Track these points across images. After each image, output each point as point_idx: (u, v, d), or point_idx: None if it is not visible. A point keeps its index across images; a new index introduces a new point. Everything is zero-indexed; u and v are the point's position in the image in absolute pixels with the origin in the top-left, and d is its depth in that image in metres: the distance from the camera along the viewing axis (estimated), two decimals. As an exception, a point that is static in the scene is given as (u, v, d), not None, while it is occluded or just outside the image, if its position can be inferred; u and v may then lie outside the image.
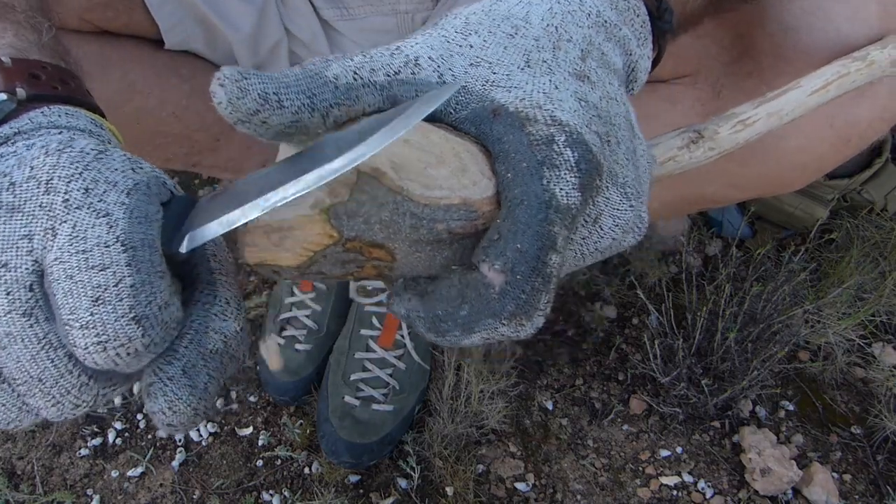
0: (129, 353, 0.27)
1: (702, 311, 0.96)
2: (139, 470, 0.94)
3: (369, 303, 0.99)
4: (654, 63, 0.45)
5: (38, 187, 0.27)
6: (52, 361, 0.27)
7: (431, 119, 0.33)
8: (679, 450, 0.98)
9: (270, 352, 1.00)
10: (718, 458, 0.97)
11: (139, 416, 1.00)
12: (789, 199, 1.12)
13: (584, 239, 0.33)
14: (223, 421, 1.00)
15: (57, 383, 0.28)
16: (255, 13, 0.75)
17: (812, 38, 0.56)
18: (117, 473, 0.94)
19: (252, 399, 1.02)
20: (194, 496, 0.92)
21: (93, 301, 0.26)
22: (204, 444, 0.97)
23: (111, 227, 0.27)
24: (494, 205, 0.32)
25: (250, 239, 0.30)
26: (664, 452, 0.97)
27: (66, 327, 0.27)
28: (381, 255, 0.31)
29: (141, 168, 0.31)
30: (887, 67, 0.53)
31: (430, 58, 0.34)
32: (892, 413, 0.98)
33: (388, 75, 0.33)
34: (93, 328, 0.26)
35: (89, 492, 0.93)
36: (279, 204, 0.28)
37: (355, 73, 0.32)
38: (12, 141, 0.32)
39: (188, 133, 0.80)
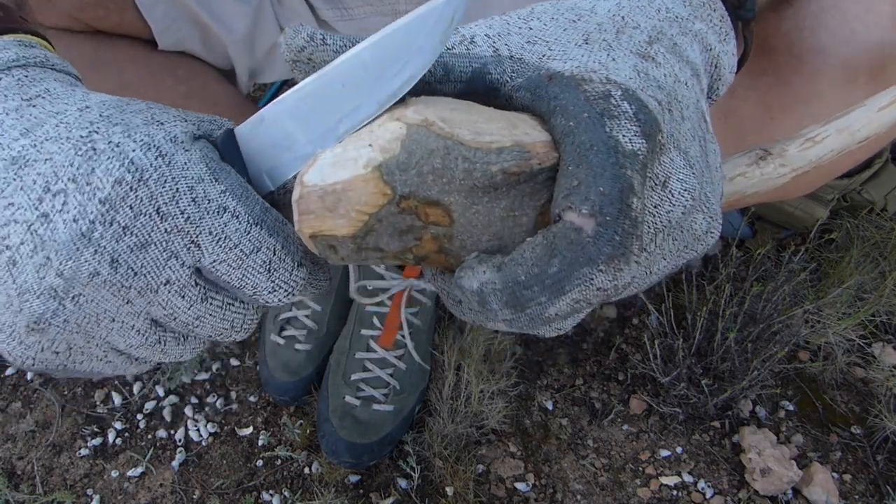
0: (303, 287, 0.34)
1: (702, 311, 0.96)
2: (139, 470, 0.94)
3: (370, 303, 0.99)
4: (742, 61, 0.43)
5: (152, 220, 0.30)
6: (237, 312, 0.34)
7: (486, 88, 0.33)
8: (679, 450, 0.98)
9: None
10: (718, 458, 0.97)
11: (139, 416, 1.00)
12: (789, 200, 1.12)
13: (655, 207, 0.31)
14: (223, 421, 1.00)
15: (244, 321, 0.34)
16: (250, 14, 0.74)
17: (826, 36, 0.56)
18: (117, 473, 0.94)
19: (252, 399, 1.02)
20: (194, 496, 0.92)
21: (267, 273, 0.32)
22: (204, 444, 0.97)
23: (237, 217, 0.31)
24: (548, 147, 0.31)
25: (304, 205, 0.30)
26: (664, 452, 0.97)
27: (255, 296, 0.33)
28: (438, 217, 0.31)
29: (186, 140, 0.32)
30: None
31: (486, 35, 0.34)
32: (892, 413, 0.98)
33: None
34: (279, 289, 0.33)
35: (89, 492, 0.93)
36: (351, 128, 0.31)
37: None
38: None
39: None
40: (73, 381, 1.03)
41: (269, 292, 0.33)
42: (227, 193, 0.31)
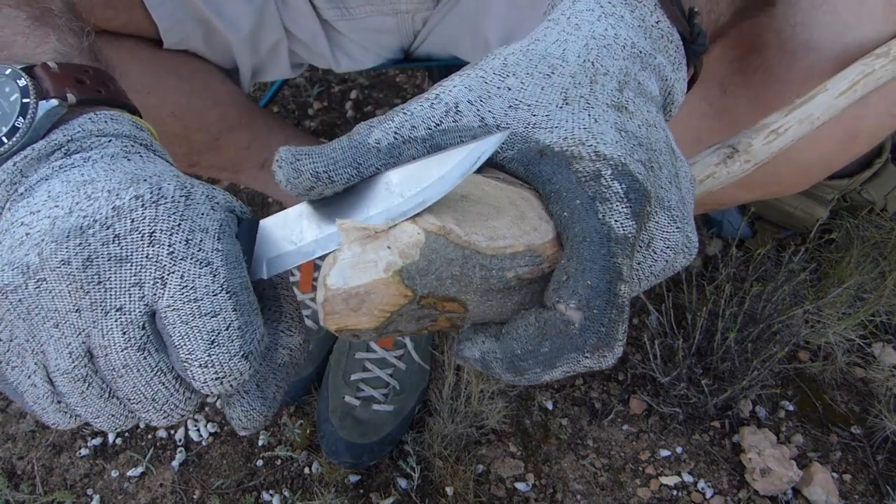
0: (238, 383, 0.32)
1: (702, 311, 0.96)
2: (139, 470, 0.94)
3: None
4: (691, 83, 0.46)
5: (142, 239, 0.30)
6: (164, 385, 0.32)
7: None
8: (679, 450, 0.98)
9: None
10: (718, 458, 0.97)
11: (139, 416, 1.00)
12: (789, 199, 1.12)
13: (639, 264, 0.34)
14: (223, 421, 1.00)
15: (167, 401, 0.32)
16: (255, 13, 0.74)
17: (818, 32, 0.56)
18: (117, 473, 0.94)
19: (252, 399, 1.02)
20: (194, 496, 0.92)
21: (209, 343, 0.30)
22: (204, 444, 0.97)
23: (214, 276, 0.31)
24: (557, 246, 0.33)
25: (329, 307, 0.32)
26: (664, 452, 0.97)
27: (185, 364, 0.31)
28: (454, 308, 0.33)
29: (218, 204, 0.33)
30: None
31: (469, 101, 0.35)
32: (892, 413, 0.98)
33: (430, 128, 0.35)
34: (211, 367, 0.31)
35: (89, 492, 0.93)
36: (347, 240, 0.32)
37: (396, 133, 0.34)
38: (65, 149, 0.35)
39: (187, 133, 0.80)
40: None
41: (200, 366, 0.30)
42: (220, 254, 0.31)
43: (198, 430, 0.98)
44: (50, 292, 0.31)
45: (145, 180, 0.32)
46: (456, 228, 0.31)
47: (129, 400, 0.32)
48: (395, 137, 0.34)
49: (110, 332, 0.31)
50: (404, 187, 0.32)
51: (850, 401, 1.03)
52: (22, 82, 0.36)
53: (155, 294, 0.31)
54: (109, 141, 0.36)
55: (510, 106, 0.35)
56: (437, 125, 0.35)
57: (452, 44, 0.85)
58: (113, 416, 0.33)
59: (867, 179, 1.12)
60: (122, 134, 0.37)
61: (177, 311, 0.30)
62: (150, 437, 0.98)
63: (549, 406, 1.02)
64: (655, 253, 0.35)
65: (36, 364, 0.32)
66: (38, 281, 0.31)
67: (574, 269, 0.32)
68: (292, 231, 0.34)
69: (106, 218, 0.31)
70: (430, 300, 0.32)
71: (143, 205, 0.31)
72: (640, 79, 0.38)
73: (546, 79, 0.36)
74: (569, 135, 0.34)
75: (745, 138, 0.44)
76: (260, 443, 0.97)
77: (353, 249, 0.32)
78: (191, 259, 0.30)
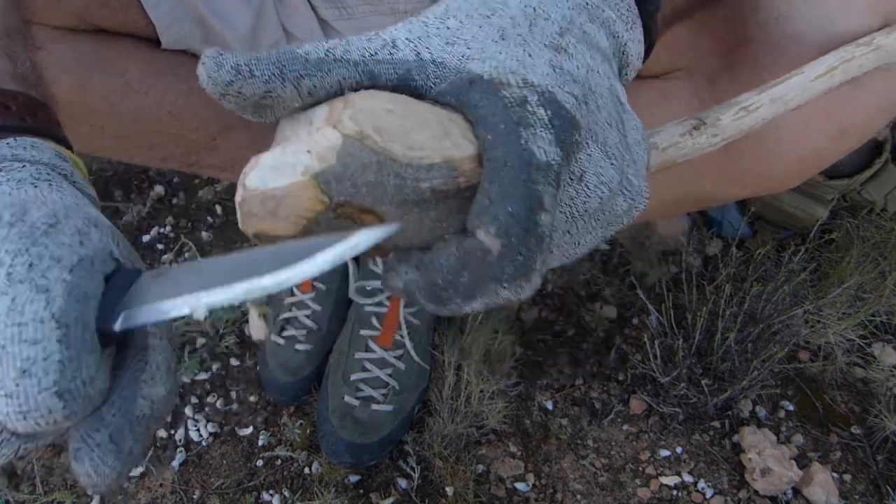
0: (48, 423, 0.28)
1: (702, 311, 0.96)
2: (139, 470, 0.94)
3: (369, 303, 0.99)
4: (648, 51, 0.45)
5: None
6: None
7: (414, 93, 0.35)
8: (679, 450, 0.98)
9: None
10: (718, 458, 0.97)
11: (139, 417, 1.00)
12: (789, 199, 1.12)
13: (572, 199, 0.34)
14: (223, 421, 1.00)
15: None
16: (253, 13, 0.74)
17: (804, 25, 0.56)
18: (117, 473, 0.94)
19: (252, 399, 1.02)
20: (194, 496, 0.92)
21: (20, 372, 0.27)
22: (204, 444, 0.97)
23: (48, 303, 0.28)
24: (475, 163, 0.33)
25: (247, 207, 0.32)
26: (664, 452, 0.97)
27: None
28: (372, 221, 0.32)
29: (90, 241, 0.31)
30: (895, 53, 0.53)
31: (407, 39, 0.35)
32: (892, 413, 0.98)
33: (364, 56, 0.34)
34: (16, 398, 0.27)
35: (89, 492, 0.93)
36: (209, 306, 0.29)
37: (327, 51, 0.34)
38: None
39: (185, 133, 0.80)
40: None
41: (5, 395, 0.28)
42: (66, 285, 0.29)
43: (198, 430, 0.98)
44: None
45: (20, 204, 0.31)
46: (374, 134, 0.31)
47: None
48: (325, 54, 0.33)
49: None
50: (269, 270, 0.29)
51: (850, 401, 1.03)
52: None
53: None
54: (23, 166, 0.35)
55: (447, 42, 0.35)
56: (373, 55, 0.34)
57: (452, 43, 0.85)
58: None
59: (867, 179, 1.12)
60: (40, 161, 0.36)
61: (0, 333, 0.28)
62: (150, 437, 0.98)
63: (549, 406, 1.02)
64: (588, 188, 0.34)
65: None
66: None
67: (495, 194, 0.31)
68: (166, 289, 0.31)
69: None
70: (347, 209, 0.32)
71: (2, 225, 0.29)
72: (586, 29, 0.37)
73: (485, 19, 0.36)
74: (500, 65, 0.34)
75: (714, 112, 0.44)
76: (260, 443, 0.97)
77: (274, 152, 0.32)
78: (29, 283, 0.28)
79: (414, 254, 0.34)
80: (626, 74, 0.41)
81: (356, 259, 1.01)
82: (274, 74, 0.32)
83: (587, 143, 0.34)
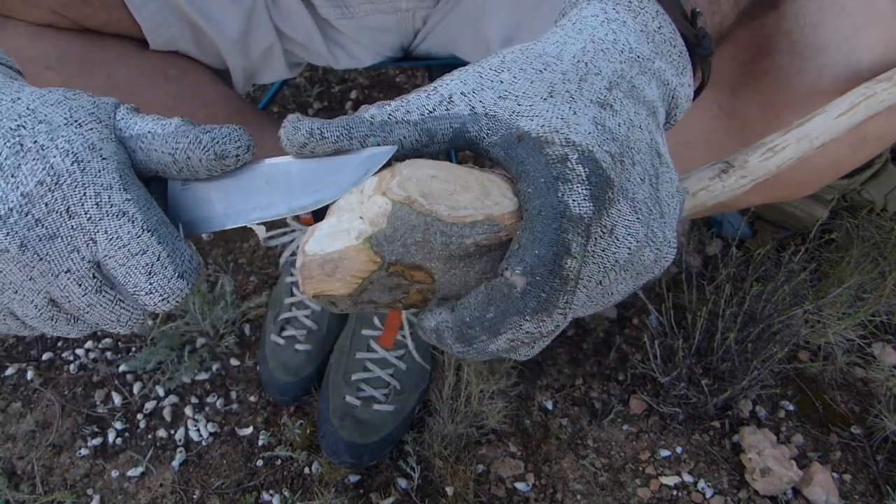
0: (180, 299, 0.37)
1: (702, 311, 0.96)
2: (139, 470, 0.94)
3: (369, 303, 0.99)
4: (700, 89, 0.47)
5: (61, 217, 0.34)
6: (125, 309, 0.37)
7: (466, 144, 0.38)
8: (679, 450, 0.98)
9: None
10: (718, 458, 0.97)
11: (139, 416, 1.00)
12: (789, 200, 1.12)
13: (603, 250, 0.36)
14: (223, 421, 1.00)
15: (130, 318, 0.38)
16: (243, 15, 0.73)
17: (827, 34, 0.56)
18: (117, 473, 0.94)
19: (252, 399, 1.02)
20: (194, 496, 0.92)
21: (147, 275, 0.35)
22: (204, 444, 0.97)
23: (133, 222, 0.35)
24: (516, 218, 0.36)
25: (307, 272, 0.35)
26: (664, 452, 0.97)
27: (135, 295, 0.36)
28: (422, 278, 0.36)
29: (105, 152, 0.36)
30: None
31: (462, 93, 0.38)
32: (892, 413, 0.98)
33: (423, 114, 0.37)
34: (155, 293, 0.36)
35: (89, 492, 0.93)
36: (259, 219, 0.37)
37: (390, 114, 0.37)
38: None
39: None
40: (74, 380, 1.03)
41: (146, 293, 0.36)
42: (131, 202, 0.35)
43: (198, 430, 0.98)
44: (1, 271, 0.35)
45: (23, 149, 0.35)
46: (420, 199, 0.34)
47: (97, 324, 0.38)
48: (388, 116, 0.37)
49: (67, 288, 0.35)
50: (302, 180, 0.37)
51: (850, 401, 1.03)
52: None
53: (92, 252, 0.35)
54: None
55: (500, 96, 0.37)
56: (430, 112, 0.37)
57: (452, 43, 0.85)
58: (82, 330, 0.39)
59: (867, 179, 1.12)
60: None
61: (112, 258, 0.35)
62: (150, 437, 0.98)
63: (549, 406, 1.02)
64: (618, 240, 0.36)
65: (3, 315, 0.37)
66: None
67: (525, 240, 0.34)
68: (202, 199, 0.38)
69: (20, 206, 0.34)
70: (398, 267, 0.35)
71: (48, 189, 0.34)
72: (636, 82, 0.39)
73: (537, 74, 0.38)
74: (546, 123, 0.36)
75: (742, 155, 0.46)
76: (260, 443, 0.97)
77: (330, 221, 0.36)
78: (107, 216, 0.34)
79: (451, 300, 0.37)
80: (675, 116, 0.43)
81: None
82: (342, 135, 0.36)
83: (618, 199, 0.36)
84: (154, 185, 0.38)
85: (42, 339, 1.08)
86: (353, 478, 0.94)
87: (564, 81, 0.38)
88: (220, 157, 0.36)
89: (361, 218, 0.35)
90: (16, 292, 0.36)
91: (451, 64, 0.90)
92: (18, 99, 0.37)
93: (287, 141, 0.36)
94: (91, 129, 0.36)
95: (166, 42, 0.72)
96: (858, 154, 0.64)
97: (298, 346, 0.99)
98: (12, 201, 0.34)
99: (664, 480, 0.95)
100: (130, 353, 1.06)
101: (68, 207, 0.34)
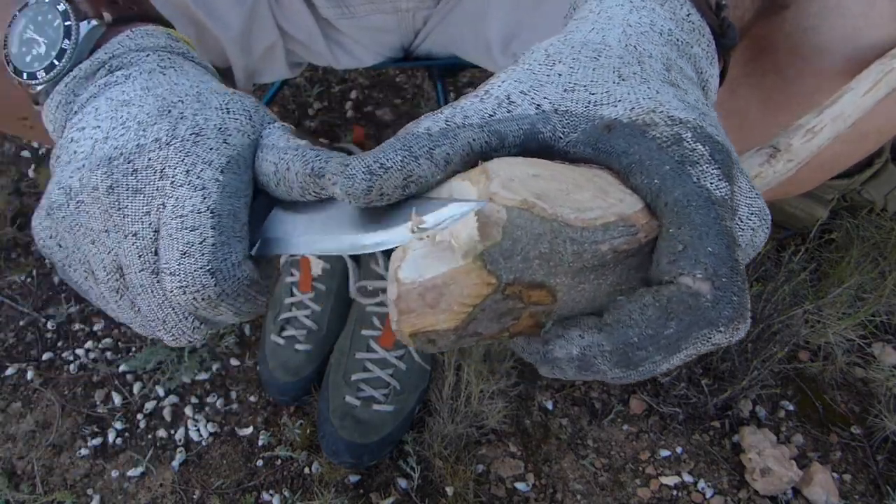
0: (204, 299, 0.33)
1: (702, 311, 0.96)
2: (139, 470, 0.94)
3: (370, 303, 0.99)
4: (720, 79, 0.45)
5: (154, 174, 0.34)
6: (173, 310, 0.35)
7: (540, 147, 0.33)
8: (679, 450, 0.98)
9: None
10: (718, 458, 0.97)
11: (139, 417, 1.00)
12: (789, 199, 1.12)
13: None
14: (223, 421, 1.00)
15: (176, 325, 0.35)
16: (246, 13, 0.74)
17: (829, 35, 0.56)
18: (117, 473, 0.94)
19: (252, 399, 1.02)
20: (194, 496, 0.92)
21: (181, 254, 0.33)
22: (204, 444, 0.97)
23: (205, 198, 0.33)
24: (648, 216, 0.31)
25: (404, 305, 0.29)
26: (664, 452, 0.97)
27: (162, 273, 0.34)
28: (541, 298, 0.29)
29: (232, 139, 0.36)
30: None
31: (521, 92, 0.33)
32: (892, 413, 0.98)
33: (483, 118, 0.33)
34: (177, 276, 0.33)
35: (89, 492, 0.93)
36: (321, 251, 0.33)
37: (447, 121, 0.33)
38: (108, 66, 0.39)
39: None
40: (74, 380, 1.03)
41: (169, 273, 0.33)
42: (218, 184, 0.34)
43: (198, 430, 0.98)
44: (86, 213, 0.35)
45: (168, 114, 0.36)
46: (539, 202, 0.28)
47: (147, 318, 0.36)
48: (446, 124, 0.32)
49: (129, 255, 0.35)
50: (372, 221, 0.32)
51: (850, 401, 1.03)
52: (62, 7, 0.40)
53: (159, 218, 0.34)
54: (147, 55, 0.40)
55: (566, 90, 0.33)
56: (491, 115, 0.33)
57: (453, 43, 0.85)
58: (142, 326, 0.37)
59: (867, 179, 1.12)
60: (159, 46, 0.41)
61: (166, 226, 0.34)
62: (150, 437, 0.98)
63: (549, 406, 1.02)
64: (742, 221, 0.32)
65: (86, 272, 0.37)
66: (77, 202, 0.35)
67: (689, 237, 0.29)
68: (288, 223, 0.36)
69: (130, 153, 0.34)
70: (516, 288, 0.28)
71: (159, 146, 0.34)
72: (681, 64, 0.37)
73: (594, 61, 0.34)
74: (636, 105, 0.32)
75: (784, 138, 0.44)
76: (260, 443, 0.97)
77: (422, 239, 0.29)
78: (188, 185, 0.34)
79: (584, 319, 0.31)
80: None
81: (356, 259, 1.00)
82: (406, 158, 0.30)
83: (738, 176, 0.32)
84: (263, 198, 0.37)
85: (42, 339, 1.08)
86: (353, 478, 0.94)
87: (626, 65, 0.34)
88: (315, 175, 0.33)
89: (469, 233, 0.28)
90: (93, 243, 0.35)
91: (452, 64, 0.90)
92: (195, 84, 0.38)
93: (348, 195, 0.30)
94: (235, 119, 0.36)
95: None
96: (860, 149, 0.64)
97: (298, 346, 0.99)
98: (127, 147, 0.35)
99: (664, 480, 0.95)
100: (130, 353, 1.06)
101: (164, 168, 0.34)
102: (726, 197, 0.30)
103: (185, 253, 0.33)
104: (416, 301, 0.29)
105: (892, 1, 0.55)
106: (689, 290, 0.29)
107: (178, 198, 0.34)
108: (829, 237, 1.13)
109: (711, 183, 0.30)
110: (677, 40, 0.37)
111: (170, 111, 0.36)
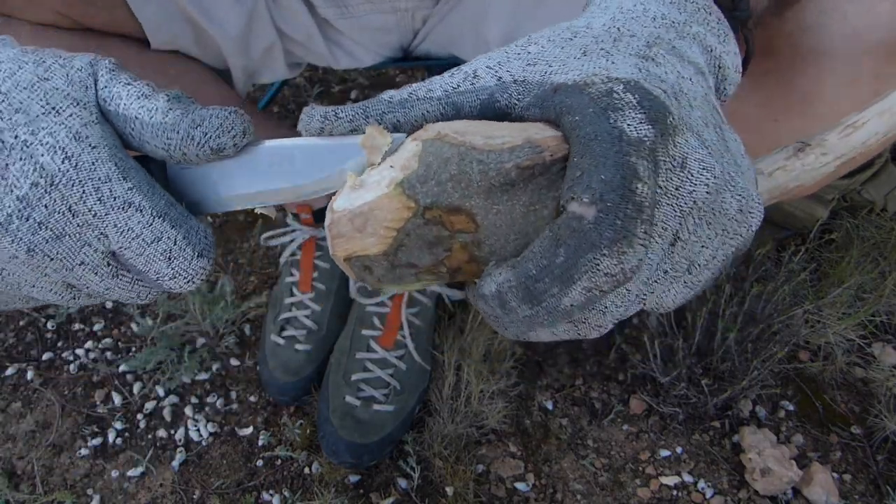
0: (205, 277, 0.36)
1: (701, 311, 0.96)
2: (139, 470, 0.94)
3: (371, 303, 0.99)
4: (747, 61, 0.44)
5: (64, 217, 0.33)
6: (144, 287, 0.37)
7: (497, 115, 0.35)
8: (679, 450, 0.98)
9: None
10: (718, 458, 0.97)
11: (139, 417, 1.00)
12: (789, 200, 1.12)
13: (677, 188, 0.32)
14: (223, 421, 1.00)
15: (147, 296, 0.38)
16: (244, 14, 0.74)
17: (829, 36, 0.56)
18: (117, 473, 0.94)
19: (252, 399, 1.02)
20: (194, 496, 0.92)
21: (167, 260, 0.35)
22: (204, 444, 0.97)
23: (141, 211, 0.34)
24: (559, 140, 0.32)
25: (336, 229, 0.33)
26: (664, 452, 0.97)
27: (158, 281, 0.35)
28: (464, 224, 0.32)
29: (94, 147, 0.34)
30: None
31: (488, 67, 0.36)
32: (892, 413, 0.98)
33: (447, 90, 0.35)
34: (179, 276, 0.35)
35: (89, 492, 0.93)
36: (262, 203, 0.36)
37: (410, 93, 0.35)
38: None
39: None
40: (74, 380, 1.03)
41: (170, 279, 0.35)
42: (134, 190, 0.34)
43: (198, 430, 0.98)
44: (13, 273, 0.35)
45: (17, 153, 0.33)
46: (452, 134, 0.32)
47: (120, 300, 0.38)
48: (409, 95, 0.35)
49: (83, 277, 0.35)
50: (307, 164, 0.36)
51: (850, 401, 1.03)
52: None
53: (105, 244, 0.34)
54: None
55: (528, 63, 0.35)
56: (455, 88, 0.35)
57: (452, 43, 0.85)
58: (104, 301, 0.40)
59: (867, 179, 1.12)
60: None
61: (128, 248, 0.34)
62: (150, 437, 0.98)
63: (549, 406, 1.02)
64: (692, 175, 0.32)
65: (24, 300, 0.38)
66: (0, 269, 0.35)
67: (587, 164, 0.30)
68: (204, 178, 0.37)
69: (19, 210, 0.33)
70: (436, 212, 0.32)
71: (44, 191, 0.33)
72: (676, 44, 0.37)
73: (567, 41, 0.36)
74: (583, 72, 0.34)
75: (819, 135, 0.43)
76: (260, 443, 0.97)
77: (359, 177, 0.33)
78: (113, 209, 0.33)
79: (512, 259, 0.33)
80: (725, 89, 0.40)
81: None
82: (357, 114, 0.35)
83: (682, 129, 0.32)
84: (152, 165, 0.37)
85: (42, 339, 1.08)
86: (353, 478, 0.94)
87: (597, 42, 0.35)
88: (216, 151, 0.35)
89: (392, 166, 0.32)
90: (33, 286, 0.36)
91: (452, 64, 0.90)
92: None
93: (304, 129, 0.36)
94: (71, 116, 0.34)
95: (167, 41, 0.72)
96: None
97: (298, 346, 0.99)
98: (10, 206, 0.32)
99: (664, 480, 0.95)
100: (130, 353, 1.06)
101: (70, 206, 0.33)
102: (645, 138, 0.31)
103: (170, 258, 0.35)
104: (346, 226, 0.33)
105: (892, 2, 0.55)
106: (574, 215, 0.30)
107: (116, 225, 0.34)
108: (829, 237, 1.13)
109: (629, 125, 0.31)
110: (673, 22, 0.38)
111: (3, 141, 0.33)
